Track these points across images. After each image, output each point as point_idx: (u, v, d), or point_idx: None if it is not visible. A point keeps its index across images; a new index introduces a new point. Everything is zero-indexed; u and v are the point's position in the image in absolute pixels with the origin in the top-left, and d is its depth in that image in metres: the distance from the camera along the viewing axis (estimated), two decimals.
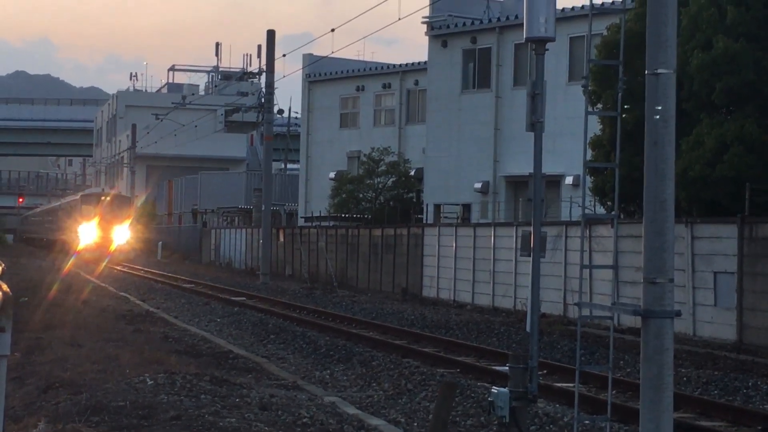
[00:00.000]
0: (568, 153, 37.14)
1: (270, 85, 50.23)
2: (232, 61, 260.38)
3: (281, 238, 54.13)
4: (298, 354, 22.30)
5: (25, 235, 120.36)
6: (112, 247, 66.09)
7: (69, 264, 53.46)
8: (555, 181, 38.93)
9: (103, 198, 70.52)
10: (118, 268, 59.14)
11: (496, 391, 11.93)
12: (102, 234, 66.78)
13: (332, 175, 56.19)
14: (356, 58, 64.24)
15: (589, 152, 28.69)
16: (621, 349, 22.19)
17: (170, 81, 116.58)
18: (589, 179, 29.40)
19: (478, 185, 43.63)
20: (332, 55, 48.81)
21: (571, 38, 39.95)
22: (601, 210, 30.31)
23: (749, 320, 24.21)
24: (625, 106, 25.61)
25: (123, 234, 67.63)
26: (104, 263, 59.75)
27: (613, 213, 10.08)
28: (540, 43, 12.34)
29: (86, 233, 67.20)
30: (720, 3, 26.39)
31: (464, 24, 45.31)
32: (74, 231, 70.06)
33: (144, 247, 76.76)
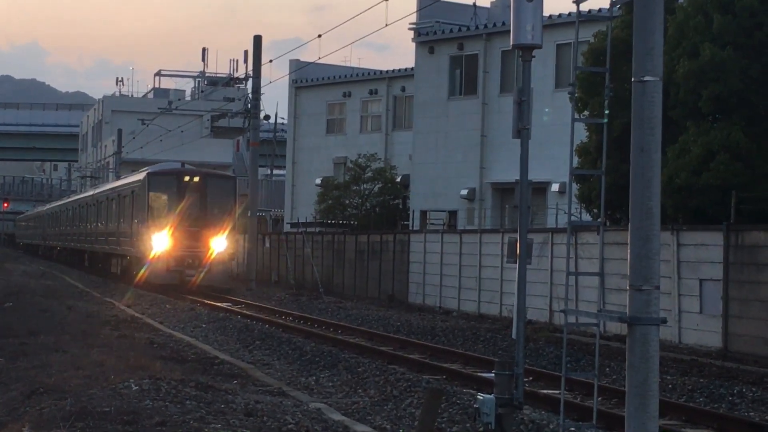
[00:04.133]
0: (554, 160, 37.17)
1: (256, 90, 50.19)
2: (219, 67, 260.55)
3: (267, 244, 54.08)
4: (283, 360, 22.26)
5: (22, 241, 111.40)
6: (210, 258, 42.90)
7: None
8: (541, 188, 38.94)
9: (189, 178, 43.99)
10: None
11: (482, 397, 11.94)
12: (187, 239, 42.55)
13: (318, 181, 56.17)
14: (343, 64, 64.25)
15: (576, 159, 28.72)
16: (607, 356, 22.20)
17: (157, 86, 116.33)
18: (575, 186, 29.42)
19: (464, 192, 43.64)
20: (319, 61, 48.74)
21: (557, 45, 39.99)
22: (587, 217, 30.35)
23: (735, 328, 24.25)
24: (606, 112, 25.63)
25: (223, 239, 43.33)
26: (197, 276, 42.50)
27: (599, 220, 10.09)
28: (527, 50, 12.36)
29: (158, 238, 42.47)
30: (707, 11, 26.44)
31: (451, 30, 45.32)
32: (133, 235, 45.30)
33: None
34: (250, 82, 49.69)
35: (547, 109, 38.06)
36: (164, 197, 44.51)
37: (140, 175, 46.44)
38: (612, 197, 23.27)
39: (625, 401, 8.57)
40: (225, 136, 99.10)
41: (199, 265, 42.72)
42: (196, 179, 43.98)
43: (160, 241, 42.61)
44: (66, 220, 73.48)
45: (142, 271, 42.88)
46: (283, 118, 66.93)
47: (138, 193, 45.58)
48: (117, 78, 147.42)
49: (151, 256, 42.57)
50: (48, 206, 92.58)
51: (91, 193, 63.67)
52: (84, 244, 62.30)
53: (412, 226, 44.93)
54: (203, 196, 43.85)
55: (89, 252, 60.73)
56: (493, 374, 12.06)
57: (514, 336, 12.29)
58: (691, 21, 26.61)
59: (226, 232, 43.54)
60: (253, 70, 49.97)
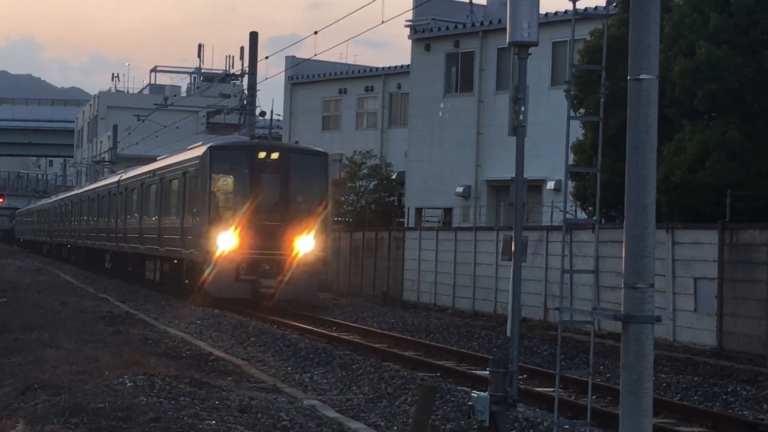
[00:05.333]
0: (550, 158, 37.17)
1: (252, 87, 50.10)
2: (215, 63, 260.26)
3: None
4: (278, 357, 22.25)
5: (22, 237, 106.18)
6: (296, 258, 32.76)
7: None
8: (537, 186, 38.96)
9: (265, 155, 33.64)
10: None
11: (476, 395, 11.93)
12: (263, 238, 32.67)
13: None
14: (339, 61, 64.21)
15: (571, 157, 28.72)
16: (601, 353, 22.21)
17: (152, 82, 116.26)
18: (570, 184, 29.43)
19: (459, 189, 43.64)
20: (315, 58, 48.73)
21: (554, 43, 39.99)
22: (582, 215, 30.35)
23: (729, 326, 24.27)
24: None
25: (310, 237, 33.21)
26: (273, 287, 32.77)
27: (594, 218, 10.08)
28: (523, 48, 12.34)
29: (224, 237, 32.48)
30: (703, 9, 26.44)
31: (447, 28, 45.32)
32: (186, 232, 34.97)
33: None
34: (246, 79, 49.55)
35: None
36: (232, 180, 34.18)
37: (197, 151, 35.25)
38: (607, 195, 23.22)
39: (619, 399, 8.56)
40: (221, 132, 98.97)
41: (279, 273, 32.55)
42: (275, 156, 33.47)
43: (227, 241, 32.44)
44: (80, 214, 63.47)
45: (206, 277, 32.49)
46: (278, 115, 66.70)
47: (194, 175, 34.41)
48: (113, 74, 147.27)
49: (214, 260, 32.32)
50: (55, 198, 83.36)
51: (116, 179, 52.14)
52: (105, 242, 52.37)
53: (408, 224, 44.92)
54: (285, 178, 33.54)
55: (113, 252, 51.10)
56: (487, 372, 12.05)
57: (508, 333, 12.29)
58: (687, 19, 26.61)
59: (316, 228, 33.23)
60: (249, 66, 49.91)
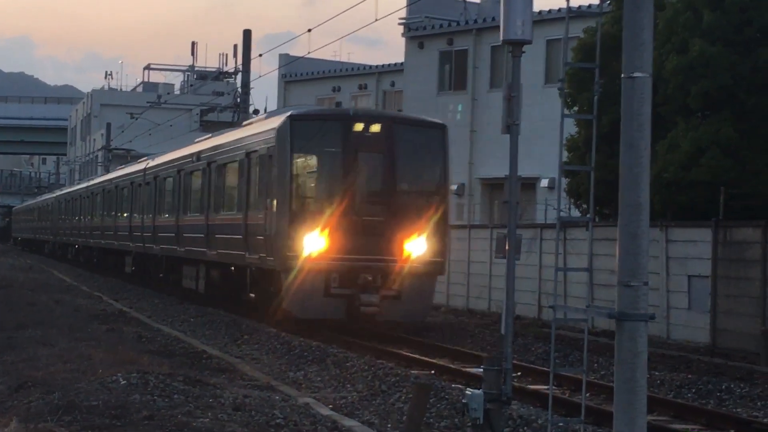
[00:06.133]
0: (543, 155, 37.18)
1: (246, 84, 50.10)
2: (209, 61, 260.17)
3: None
4: (271, 354, 22.24)
5: (19, 236, 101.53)
6: (407, 265, 25.10)
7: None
8: (530, 184, 38.97)
9: (363, 127, 25.55)
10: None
11: (470, 392, 11.94)
12: (362, 239, 25.07)
13: None
14: (333, 58, 64.22)
15: (565, 154, 28.74)
16: (595, 351, 22.22)
17: (146, 80, 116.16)
18: (564, 182, 29.46)
19: (453, 187, 43.63)
20: (309, 56, 48.73)
21: (547, 41, 40.00)
22: (576, 213, 30.36)
23: (723, 324, 24.29)
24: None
25: (423, 236, 25.49)
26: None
27: (588, 216, 10.08)
28: (516, 46, 12.35)
29: (310, 238, 24.85)
30: (696, 7, 26.46)
31: (441, 26, 45.32)
32: (254, 231, 26.93)
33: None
34: (239, 77, 49.53)
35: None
36: (319, 162, 26.23)
37: (269, 123, 27.19)
38: (601, 193, 23.28)
39: (613, 397, 8.57)
40: (214, 129, 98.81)
41: (383, 286, 25.12)
42: (376, 128, 25.48)
43: (313, 243, 24.77)
44: (92, 209, 56.35)
45: (284, 291, 25.05)
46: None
47: (266, 155, 26.35)
48: (106, 72, 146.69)
49: (296, 268, 24.73)
50: (60, 192, 76.31)
51: (140, 167, 44.67)
52: (127, 242, 45.00)
53: None
54: (390, 158, 25.63)
55: (136, 254, 44.03)
56: (481, 369, 12.06)
57: (502, 331, 12.30)
58: (681, 17, 26.62)
59: (431, 225, 25.51)
60: (243, 64, 49.90)
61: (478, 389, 11.91)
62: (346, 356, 21.23)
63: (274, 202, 25.54)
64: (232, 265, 29.56)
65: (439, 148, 26.21)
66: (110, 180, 52.21)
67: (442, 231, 25.94)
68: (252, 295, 27.98)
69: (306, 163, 26.36)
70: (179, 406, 12.98)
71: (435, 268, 25.77)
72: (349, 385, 18.00)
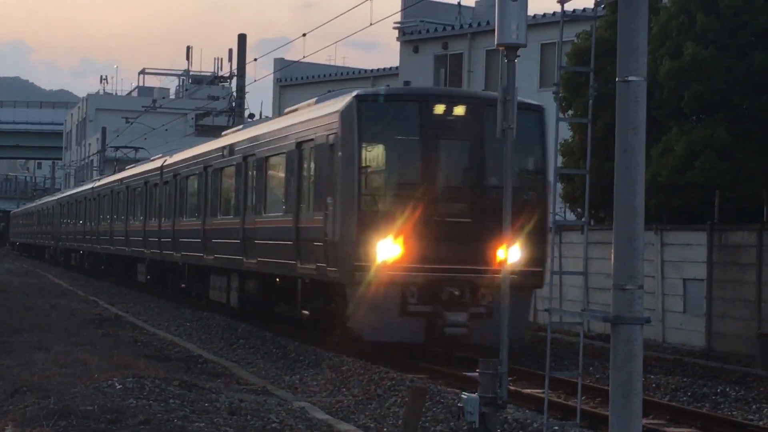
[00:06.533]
0: None
1: (241, 89, 50.13)
2: (204, 65, 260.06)
3: None
4: (267, 359, 22.23)
5: (18, 241, 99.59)
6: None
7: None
8: None
9: (445, 109, 21.31)
10: None
11: (465, 396, 11.95)
12: (446, 245, 20.62)
13: None
14: (327, 62, 64.26)
15: (560, 159, 28.76)
16: (591, 355, 22.23)
17: (141, 84, 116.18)
18: (559, 186, 29.47)
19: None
20: (304, 60, 48.75)
21: (542, 45, 40.07)
22: (571, 216, 30.38)
23: (718, 327, 24.32)
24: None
25: (519, 241, 20.70)
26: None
27: (583, 219, 10.09)
28: (511, 50, 12.37)
29: (384, 244, 20.40)
30: (690, 11, 26.49)
31: (436, 30, 45.38)
32: (307, 237, 22.62)
33: None
34: (234, 81, 49.55)
35: None
36: (391, 152, 21.87)
37: (330, 106, 22.75)
38: (596, 196, 23.28)
39: (609, 400, 8.58)
40: (209, 134, 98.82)
41: (474, 302, 20.97)
42: (461, 110, 21.42)
43: (386, 249, 20.57)
44: (99, 212, 52.49)
45: (350, 308, 20.94)
46: (268, 117, 66.88)
47: (326, 144, 22.00)
48: (101, 76, 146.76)
49: (365, 281, 20.53)
50: (62, 194, 72.44)
51: (156, 165, 40.41)
52: (140, 248, 41.12)
53: None
54: (478, 146, 21.62)
55: (151, 261, 40.23)
56: (477, 373, 12.07)
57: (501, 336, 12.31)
58: (675, 21, 26.66)
59: (529, 227, 21.25)
60: (238, 68, 49.94)
61: (474, 393, 11.92)
62: (341, 360, 21.22)
63: (338, 200, 21.20)
64: (276, 275, 25.57)
65: (537, 135, 21.96)
66: (120, 180, 47.84)
67: (541, 234, 21.63)
68: (305, 312, 23.57)
69: (376, 153, 21.58)
70: (175, 410, 12.98)
71: (532, 279, 21.55)
72: (344, 389, 18.00)
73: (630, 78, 8.45)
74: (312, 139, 22.88)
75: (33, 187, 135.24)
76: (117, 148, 69.02)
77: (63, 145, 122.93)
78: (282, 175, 25.26)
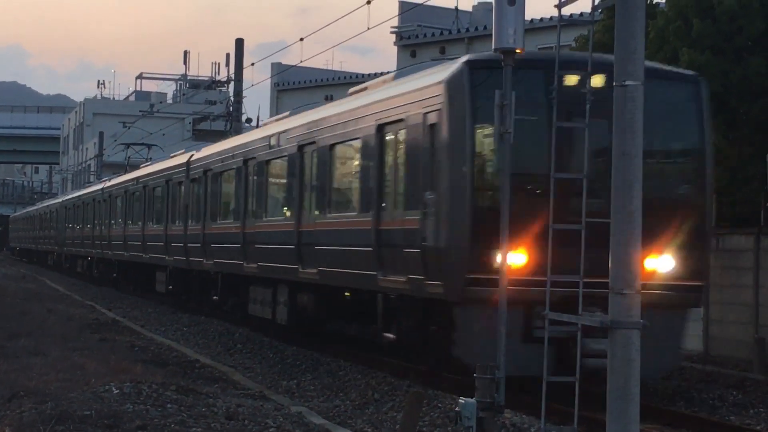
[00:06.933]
0: None
1: (238, 93, 50.16)
2: (201, 70, 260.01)
3: None
4: (264, 363, 22.22)
5: (18, 246, 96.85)
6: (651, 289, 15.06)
7: None
8: None
9: (577, 81, 14.05)
10: None
11: (463, 401, 11.94)
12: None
13: None
14: (325, 67, 64.34)
15: None
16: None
17: (138, 89, 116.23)
18: None
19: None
20: (301, 65, 48.79)
21: (539, 49, 40.04)
22: None
23: (716, 332, 24.31)
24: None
25: (673, 246, 16.68)
26: None
27: (580, 224, 10.09)
28: (509, 54, 12.37)
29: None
30: (686, 16, 26.51)
31: (433, 34, 45.38)
32: (400, 241, 17.87)
33: None
34: (232, 85, 49.54)
35: None
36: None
37: (430, 77, 18.43)
38: None
39: (606, 405, 8.58)
40: (207, 138, 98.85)
41: None
42: (600, 81, 13.97)
43: (508, 258, 13.14)
44: (110, 216, 48.16)
45: (456, 331, 16.78)
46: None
47: (425, 124, 17.56)
48: (98, 81, 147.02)
49: (481, 297, 15.97)
50: (67, 197, 67.30)
51: (182, 161, 35.74)
52: (161, 254, 36.52)
53: None
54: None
55: (173, 269, 35.90)
56: (474, 378, 12.07)
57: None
58: (671, 26, 26.67)
59: (685, 230, 17.22)
60: (235, 73, 49.96)
61: (471, 398, 11.91)
62: (339, 365, 21.22)
63: (443, 196, 16.82)
64: (347, 288, 21.67)
65: (694, 114, 17.86)
66: (135, 179, 42.89)
67: (700, 240, 17.49)
68: (388, 335, 19.38)
69: (491, 137, 16.46)
70: (172, 415, 12.96)
71: (689, 296, 17.55)
72: (342, 394, 18.00)
73: (627, 82, 8.46)
74: (401, 120, 18.43)
75: (31, 192, 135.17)
76: (128, 146, 64.27)
77: (60, 150, 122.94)
78: (355, 165, 21.02)
